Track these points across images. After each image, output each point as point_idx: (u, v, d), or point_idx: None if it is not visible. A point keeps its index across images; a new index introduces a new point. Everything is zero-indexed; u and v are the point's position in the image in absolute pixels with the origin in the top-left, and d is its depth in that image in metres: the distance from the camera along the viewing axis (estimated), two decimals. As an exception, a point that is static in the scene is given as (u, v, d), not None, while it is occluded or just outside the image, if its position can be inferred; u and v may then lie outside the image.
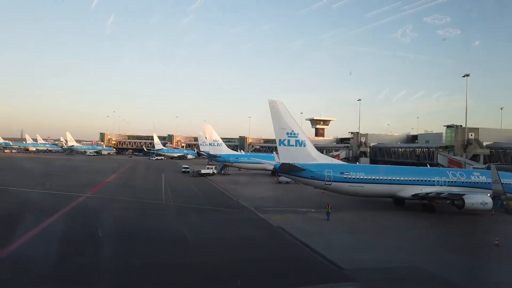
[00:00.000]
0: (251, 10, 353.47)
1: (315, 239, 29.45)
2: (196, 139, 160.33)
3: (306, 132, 49.10)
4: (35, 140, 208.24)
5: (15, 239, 25.82)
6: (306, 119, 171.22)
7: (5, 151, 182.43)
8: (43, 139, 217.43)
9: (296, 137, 44.30)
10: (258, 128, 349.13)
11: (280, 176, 63.92)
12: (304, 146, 44.92)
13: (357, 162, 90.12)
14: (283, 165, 44.07)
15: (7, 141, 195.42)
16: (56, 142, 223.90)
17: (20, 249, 24.45)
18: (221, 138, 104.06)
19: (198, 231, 32.52)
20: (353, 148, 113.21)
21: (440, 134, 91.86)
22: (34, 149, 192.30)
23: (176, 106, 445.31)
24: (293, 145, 44.18)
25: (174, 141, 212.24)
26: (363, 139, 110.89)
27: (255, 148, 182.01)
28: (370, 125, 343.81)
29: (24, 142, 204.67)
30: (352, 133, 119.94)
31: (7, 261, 22.13)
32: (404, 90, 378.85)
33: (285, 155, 44.36)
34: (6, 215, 35.08)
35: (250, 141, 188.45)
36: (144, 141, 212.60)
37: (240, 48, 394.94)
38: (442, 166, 73.64)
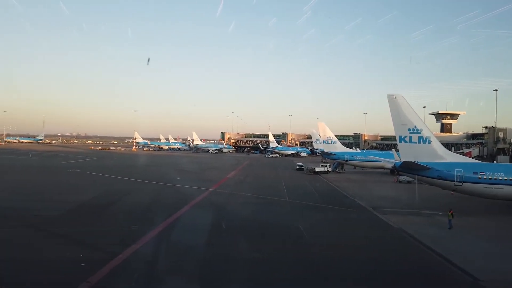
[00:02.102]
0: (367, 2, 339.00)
1: (443, 245, 26.62)
2: (309, 136, 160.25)
3: (431, 128, 44.63)
4: (167, 139, 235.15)
5: (153, 228, 29.66)
6: (430, 114, 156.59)
7: (144, 149, 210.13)
8: (173, 139, 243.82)
9: (420, 133, 40.78)
10: (374, 124, 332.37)
11: (400, 175, 59.87)
12: (429, 143, 41.07)
13: (494, 161, 78.87)
14: (405, 163, 40.99)
15: (145, 141, 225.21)
16: (184, 141, 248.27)
17: (156, 237, 27.88)
18: (335, 136, 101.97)
19: (314, 228, 32.48)
20: (488, 145, 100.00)
21: None
22: (166, 147, 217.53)
23: (290, 104, 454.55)
24: (415, 142, 40.79)
25: (288, 139, 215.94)
26: (501, 135, 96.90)
27: (372, 146, 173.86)
28: (510, 119, 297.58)
29: (158, 141, 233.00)
30: (487, 127, 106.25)
31: (150, 246, 25.45)
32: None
33: (406, 153, 41.23)
34: (144, 205, 40.66)
35: (366, 138, 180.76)
36: (260, 139, 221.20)
37: (355, 42, 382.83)
38: None
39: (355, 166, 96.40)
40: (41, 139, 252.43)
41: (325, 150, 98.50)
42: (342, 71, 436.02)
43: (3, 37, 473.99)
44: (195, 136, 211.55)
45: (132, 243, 24.72)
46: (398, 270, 22.40)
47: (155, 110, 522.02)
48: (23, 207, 37.13)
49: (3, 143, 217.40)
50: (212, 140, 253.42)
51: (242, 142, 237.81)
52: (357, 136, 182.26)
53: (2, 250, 23.40)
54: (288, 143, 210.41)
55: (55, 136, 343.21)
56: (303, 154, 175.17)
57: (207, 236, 28.40)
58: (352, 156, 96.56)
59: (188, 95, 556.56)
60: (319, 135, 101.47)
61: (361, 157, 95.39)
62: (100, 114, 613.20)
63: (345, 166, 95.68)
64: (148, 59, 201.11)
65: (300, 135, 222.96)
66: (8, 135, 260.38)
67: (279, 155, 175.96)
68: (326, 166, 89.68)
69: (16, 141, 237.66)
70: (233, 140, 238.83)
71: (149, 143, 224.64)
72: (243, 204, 44.39)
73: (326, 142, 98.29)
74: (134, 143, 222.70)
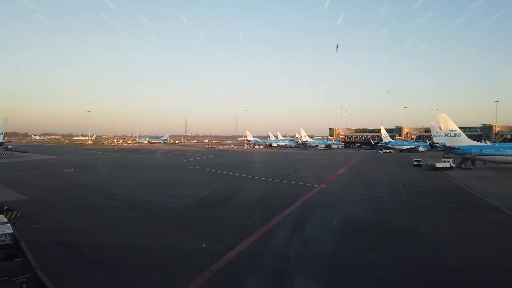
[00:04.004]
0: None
1: None
2: (428, 130, 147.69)
3: None
4: (276, 137, 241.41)
5: (266, 223, 30.60)
6: None
7: (255, 146, 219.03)
8: (282, 136, 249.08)
9: None
10: (508, 113, 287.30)
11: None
12: None
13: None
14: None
15: (256, 138, 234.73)
16: (293, 138, 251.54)
17: (270, 231, 28.66)
18: (459, 128, 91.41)
19: (437, 230, 29.60)
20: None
21: None
22: (276, 144, 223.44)
23: (404, 95, 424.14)
24: None
25: (403, 133, 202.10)
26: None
27: (505, 138, 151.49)
28: None
29: (268, 139, 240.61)
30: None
31: (264, 239, 26.33)
32: None
33: None
34: (258, 200, 42.24)
35: (498, 129, 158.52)
36: (371, 134, 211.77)
37: (478, 23, 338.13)
38: None
39: (484, 161, 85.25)
40: (166, 140, 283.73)
41: (447, 144, 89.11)
42: (464, 56, 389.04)
43: (136, 51, 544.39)
44: (303, 133, 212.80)
45: (247, 236, 25.92)
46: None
47: (264, 109, 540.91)
48: (155, 200, 41.86)
49: (136, 144, 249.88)
50: (320, 136, 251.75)
51: (352, 138, 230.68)
52: (487, 128, 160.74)
53: (137, 237, 26.80)
54: (403, 138, 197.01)
55: (177, 137, 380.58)
56: (420, 148, 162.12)
57: (320, 233, 28.21)
58: (481, 150, 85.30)
59: (295, 92, 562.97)
60: (440, 128, 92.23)
61: (493, 151, 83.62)
62: (216, 115, 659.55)
63: (472, 162, 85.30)
64: (337, 46, 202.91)
65: (417, 129, 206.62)
66: (140, 137, 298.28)
67: (393, 150, 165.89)
68: (448, 161, 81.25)
69: (146, 141, 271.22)
70: (342, 136, 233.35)
71: (259, 141, 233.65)
72: (355, 202, 42.83)
73: (448, 135, 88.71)
74: (245, 141, 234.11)
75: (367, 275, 19.91)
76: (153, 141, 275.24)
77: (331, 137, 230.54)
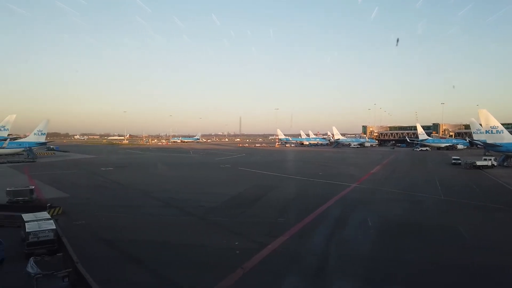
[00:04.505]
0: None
1: None
2: (467, 126, 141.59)
3: None
4: (307, 135, 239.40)
5: (298, 222, 30.45)
6: None
7: (286, 145, 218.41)
8: (314, 134, 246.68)
9: None
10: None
11: None
12: None
13: None
14: None
15: (287, 137, 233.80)
16: (324, 136, 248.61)
17: (302, 231, 28.46)
18: (501, 124, 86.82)
19: (478, 231, 28.34)
20: None
21: None
22: (307, 143, 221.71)
23: (441, 91, 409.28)
24: None
25: (440, 130, 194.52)
26: None
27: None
28: None
29: (299, 137, 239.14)
30: None
31: (296, 239, 26.18)
32: None
33: None
34: (289, 198, 42.11)
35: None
36: (407, 131, 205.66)
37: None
38: None
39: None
40: (198, 139, 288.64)
41: (488, 141, 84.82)
42: (506, 48, 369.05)
43: (169, 51, 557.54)
44: (335, 131, 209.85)
45: (279, 235, 25.86)
46: None
47: (295, 107, 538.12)
48: (189, 198, 42.64)
49: (169, 143, 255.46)
50: (353, 134, 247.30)
51: (386, 135, 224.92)
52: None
53: (171, 235, 27.41)
54: (440, 135, 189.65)
55: (209, 136, 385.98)
56: (459, 146, 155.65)
57: (353, 233, 27.74)
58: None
59: (327, 89, 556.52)
60: (480, 124, 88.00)
61: (539, 149, 78.94)
62: (246, 114, 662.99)
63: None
64: (397, 40, 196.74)
65: (455, 125, 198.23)
66: (173, 136, 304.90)
67: (430, 148, 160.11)
68: (490, 159, 77.43)
69: (179, 141, 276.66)
70: (376, 134, 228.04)
71: (290, 139, 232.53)
72: (390, 201, 41.70)
73: (490, 131, 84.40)
74: (277, 140, 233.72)
75: (404, 276, 19.34)
76: (186, 140, 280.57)
77: (364, 135, 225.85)
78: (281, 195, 44.79)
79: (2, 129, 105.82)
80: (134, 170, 77.16)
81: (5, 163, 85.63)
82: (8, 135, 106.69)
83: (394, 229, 28.90)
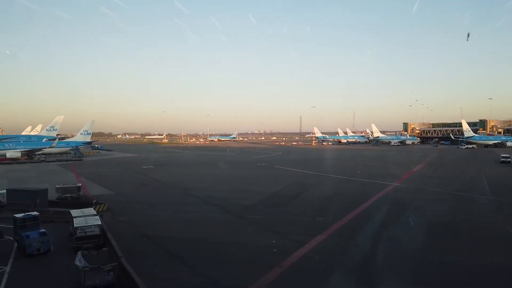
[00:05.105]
0: None
1: None
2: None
3: None
4: (345, 133, 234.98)
5: (336, 221, 30.01)
6: None
7: (323, 143, 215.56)
8: (352, 132, 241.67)
9: None
10: None
11: None
12: None
13: None
14: None
15: (324, 135, 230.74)
16: (363, 134, 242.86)
17: (341, 230, 28.02)
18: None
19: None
20: None
21: None
22: (345, 141, 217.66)
23: (489, 86, 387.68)
24: None
25: (488, 127, 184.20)
26: None
27: None
28: None
29: (337, 135, 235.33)
30: None
31: (334, 238, 25.83)
32: None
33: None
34: (327, 197, 41.61)
35: None
36: (451, 128, 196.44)
37: None
38: None
39: None
40: (234, 137, 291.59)
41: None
42: None
43: (205, 51, 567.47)
44: (374, 129, 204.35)
45: (317, 234, 25.61)
46: None
47: (333, 104, 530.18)
48: (227, 196, 43.15)
49: (207, 142, 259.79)
50: (393, 131, 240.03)
51: (429, 133, 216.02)
52: None
53: (210, 232, 27.86)
54: (487, 132, 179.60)
55: (246, 134, 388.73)
56: (509, 143, 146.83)
57: (394, 233, 26.90)
58: None
59: (366, 86, 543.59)
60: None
61: None
62: (283, 112, 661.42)
63: None
64: (468, 34, 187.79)
65: (504, 122, 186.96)
66: (210, 135, 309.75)
67: (476, 145, 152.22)
68: (544, 157, 72.54)
69: (216, 139, 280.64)
70: (418, 131, 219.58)
71: (327, 137, 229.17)
72: (434, 201, 40.03)
73: (544, 128, 79.08)
74: (313, 138, 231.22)
75: (448, 280, 18.52)
76: (222, 139, 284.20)
77: (405, 132, 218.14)
78: (319, 194, 44.31)
79: (51, 129, 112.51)
80: (173, 168, 79.21)
81: (54, 161, 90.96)
82: (57, 135, 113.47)
83: (436, 228, 27.82)
